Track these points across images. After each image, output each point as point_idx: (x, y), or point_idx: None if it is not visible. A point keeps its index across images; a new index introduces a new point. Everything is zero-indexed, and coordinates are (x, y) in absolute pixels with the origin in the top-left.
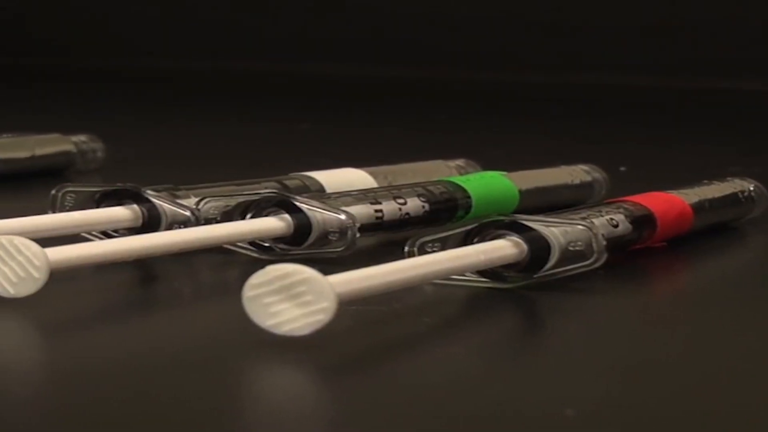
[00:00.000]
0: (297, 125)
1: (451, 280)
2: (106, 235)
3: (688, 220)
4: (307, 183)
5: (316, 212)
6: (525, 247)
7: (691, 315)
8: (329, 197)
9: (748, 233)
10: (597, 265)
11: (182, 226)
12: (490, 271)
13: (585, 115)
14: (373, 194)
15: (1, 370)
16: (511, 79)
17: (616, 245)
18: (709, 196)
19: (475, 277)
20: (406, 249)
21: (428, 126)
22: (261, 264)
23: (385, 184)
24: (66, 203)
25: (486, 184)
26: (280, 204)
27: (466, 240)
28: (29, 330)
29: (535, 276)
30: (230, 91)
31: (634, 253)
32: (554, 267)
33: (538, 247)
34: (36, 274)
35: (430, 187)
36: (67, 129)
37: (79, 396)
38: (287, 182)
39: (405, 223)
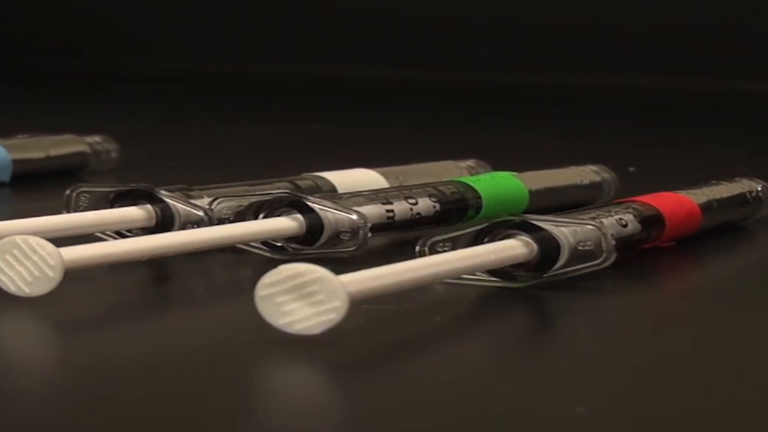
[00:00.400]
0: (309, 126)
1: (461, 280)
2: (120, 234)
3: (697, 219)
4: (319, 183)
5: (328, 212)
6: (535, 246)
7: (700, 314)
8: (341, 197)
9: (756, 233)
10: (606, 264)
11: (195, 226)
12: (500, 271)
13: (594, 116)
14: (384, 194)
15: (17, 369)
16: (521, 81)
17: (625, 245)
18: (717, 196)
19: (485, 277)
20: (417, 249)
21: (439, 127)
22: (273, 263)
23: (397, 185)
24: (80, 203)
25: (496, 184)
26: (293, 204)
27: (477, 240)
28: (44, 329)
29: (545, 275)
30: (243, 92)
31: (643, 253)
32: (564, 266)
33: (548, 246)
34: (51, 274)
35: (441, 188)
36: (82, 130)
37: (93, 394)
38: (299, 182)
39: (416, 222)
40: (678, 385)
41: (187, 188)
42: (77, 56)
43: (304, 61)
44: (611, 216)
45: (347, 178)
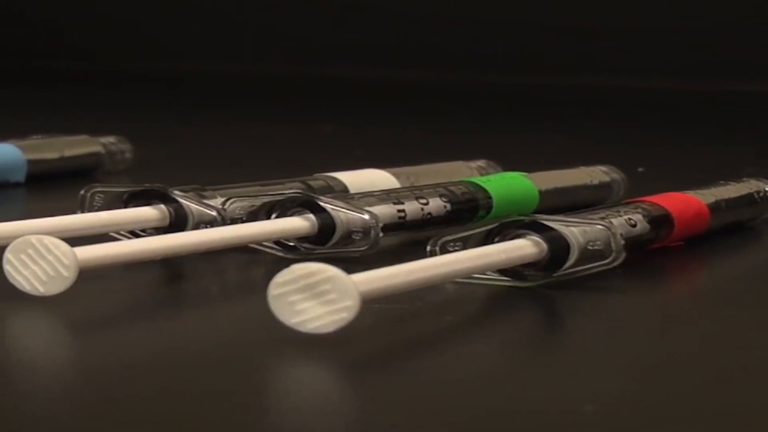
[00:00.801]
0: (321, 127)
1: (472, 279)
2: (134, 234)
3: (705, 219)
4: (331, 183)
5: (340, 212)
6: (545, 246)
7: (708, 313)
8: (353, 197)
9: (764, 233)
10: (615, 264)
11: (209, 226)
12: (510, 270)
13: (604, 117)
14: (395, 194)
15: (32, 367)
16: (531, 82)
17: (634, 244)
18: (726, 196)
19: (496, 276)
20: (428, 248)
21: (450, 127)
22: (286, 263)
23: (408, 185)
24: (95, 203)
25: (507, 184)
26: (305, 204)
27: (487, 239)
28: (59, 328)
29: (554, 275)
30: (256, 93)
31: (652, 252)
32: (573, 266)
33: (558, 246)
34: (65, 273)
35: (452, 188)
36: (96, 130)
37: (107, 392)
38: (311, 183)
39: (427, 222)
40: (686, 383)
41: (200, 188)
42: (92, 58)
43: (317, 62)
44: (620, 216)
45: (359, 179)
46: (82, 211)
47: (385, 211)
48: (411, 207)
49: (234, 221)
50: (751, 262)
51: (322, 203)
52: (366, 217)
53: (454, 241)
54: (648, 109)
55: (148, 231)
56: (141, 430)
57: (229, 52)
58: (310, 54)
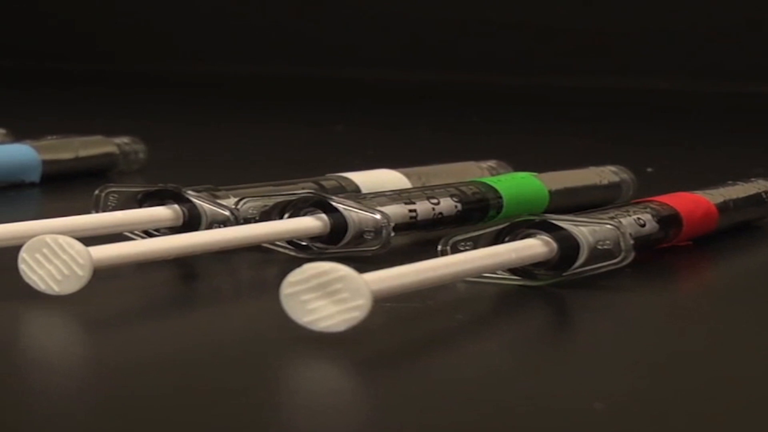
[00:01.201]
0: (333, 128)
1: (483, 278)
2: (148, 234)
3: (713, 219)
4: (343, 183)
5: (352, 212)
6: (555, 245)
7: (717, 311)
8: (365, 197)
9: None
10: (625, 263)
11: (222, 226)
12: (521, 269)
13: (613, 117)
14: (407, 194)
15: (47, 365)
16: (541, 83)
17: (643, 244)
18: (734, 196)
19: (506, 275)
20: (440, 248)
21: (461, 128)
22: (298, 262)
23: (419, 185)
24: (109, 203)
25: (517, 184)
26: (317, 204)
27: (498, 239)
28: (73, 326)
29: (564, 274)
30: (269, 94)
31: (661, 252)
32: (583, 265)
33: (568, 245)
34: (80, 272)
35: (463, 188)
36: (110, 131)
37: (122, 390)
38: (324, 183)
39: (438, 222)
40: (695, 381)
41: (213, 188)
42: (106, 59)
43: (328, 64)
44: (629, 216)
45: (371, 179)
46: (97, 211)
47: (396, 210)
48: (422, 207)
49: (247, 221)
50: (759, 262)
51: (334, 203)
52: (378, 216)
53: (464, 240)
54: (657, 110)
55: (161, 231)
56: (155, 428)
57: (242, 54)
58: (322, 56)
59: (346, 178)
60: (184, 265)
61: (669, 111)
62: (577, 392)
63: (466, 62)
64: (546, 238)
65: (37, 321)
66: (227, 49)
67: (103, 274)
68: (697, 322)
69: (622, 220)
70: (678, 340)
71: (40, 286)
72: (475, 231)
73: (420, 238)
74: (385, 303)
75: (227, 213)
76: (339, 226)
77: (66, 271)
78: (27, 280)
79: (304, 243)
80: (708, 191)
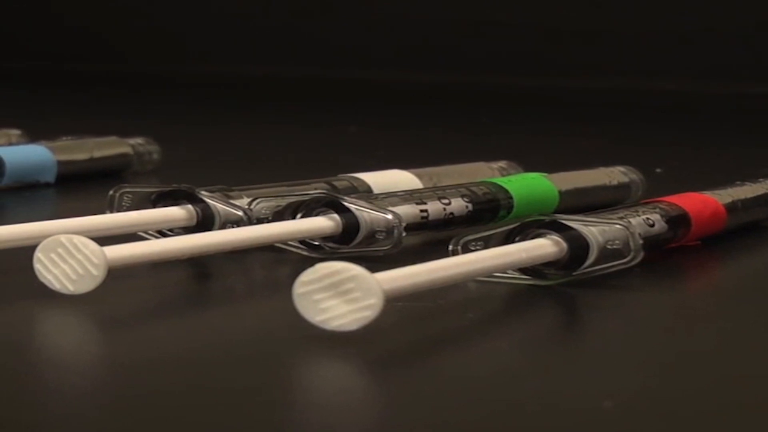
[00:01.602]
0: (345, 129)
1: (493, 277)
2: (162, 234)
3: (722, 219)
4: (355, 184)
5: (364, 212)
6: (565, 245)
7: (725, 310)
8: (376, 198)
9: None
10: (634, 263)
11: (235, 226)
12: (531, 269)
13: (622, 118)
14: (418, 195)
15: (62, 364)
16: (551, 84)
17: (652, 244)
18: (742, 196)
19: (516, 275)
20: (451, 247)
21: (471, 129)
22: (311, 262)
23: (430, 185)
24: (123, 203)
25: (527, 185)
26: (329, 204)
27: (508, 239)
28: (88, 325)
29: (574, 273)
30: (281, 95)
31: (670, 252)
32: (593, 265)
33: (578, 245)
34: (94, 272)
35: (474, 188)
36: (125, 132)
37: (136, 388)
38: (336, 183)
39: (449, 222)
40: (703, 380)
41: (226, 189)
42: (121, 61)
43: (340, 65)
44: (639, 216)
45: (382, 179)
46: (111, 211)
47: (408, 211)
48: (433, 207)
49: (260, 221)
50: (766, 261)
51: (346, 203)
52: (389, 216)
53: (475, 240)
54: (666, 111)
55: (175, 230)
56: (168, 426)
57: (256, 56)
58: (335, 57)
59: (358, 179)
60: (198, 264)
61: (678, 112)
62: (587, 391)
63: (477, 63)
64: (556, 238)
65: (52, 320)
66: (241, 50)
67: (117, 273)
68: (706, 321)
69: (631, 220)
70: (686, 340)
71: (55, 286)
72: (485, 231)
73: (431, 238)
74: (396, 302)
75: (240, 213)
76: (351, 226)
77: (81, 271)
78: (42, 279)
79: (316, 243)
80: (716, 191)
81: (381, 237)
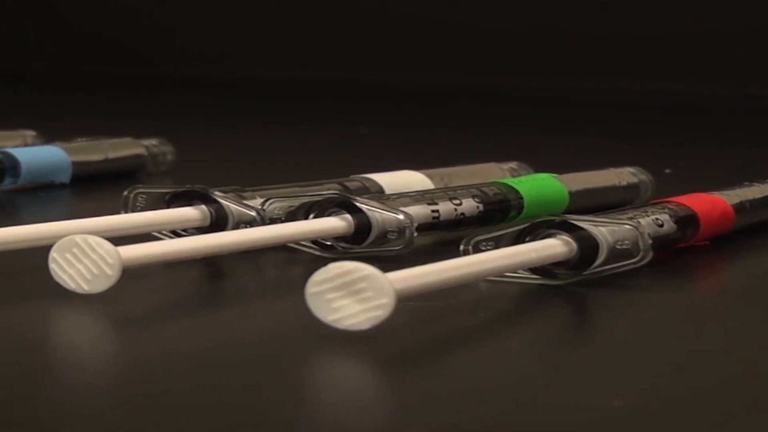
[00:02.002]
0: (357, 130)
1: (504, 277)
2: (176, 234)
3: (730, 219)
4: (367, 185)
5: (376, 212)
6: (575, 245)
7: (734, 310)
8: (388, 198)
9: None
10: (643, 262)
11: (248, 226)
12: (541, 269)
13: (632, 119)
14: (430, 195)
15: (77, 363)
16: (561, 85)
17: (661, 244)
18: (750, 196)
19: (527, 274)
20: (462, 247)
21: (482, 130)
22: (323, 262)
23: (442, 186)
24: (137, 204)
25: (537, 185)
26: (342, 204)
27: (519, 239)
28: (103, 325)
29: (584, 273)
30: (294, 97)
31: (679, 252)
32: (602, 264)
33: (587, 245)
34: (109, 272)
35: (485, 189)
36: (139, 133)
37: (150, 387)
38: (348, 184)
39: (460, 222)
40: (713, 380)
41: (240, 189)
42: (135, 62)
43: (352, 67)
44: (648, 216)
45: (394, 180)
46: (126, 212)
47: (419, 211)
48: (444, 207)
49: (273, 221)
50: None
51: (358, 204)
52: (401, 217)
53: (486, 240)
54: (675, 111)
55: (189, 231)
56: (182, 424)
57: (269, 57)
58: (347, 59)
59: (370, 179)
60: (211, 264)
61: (687, 113)
62: (597, 390)
63: (487, 65)
64: (566, 238)
65: (67, 319)
66: (254, 52)
67: (131, 273)
68: (714, 321)
69: (640, 220)
70: (695, 339)
71: (70, 285)
72: (496, 231)
73: (442, 238)
74: (408, 302)
75: (253, 213)
76: (363, 227)
77: (95, 271)
78: (57, 279)
79: (328, 243)
80: (725, 192)
81: (393, 237)
